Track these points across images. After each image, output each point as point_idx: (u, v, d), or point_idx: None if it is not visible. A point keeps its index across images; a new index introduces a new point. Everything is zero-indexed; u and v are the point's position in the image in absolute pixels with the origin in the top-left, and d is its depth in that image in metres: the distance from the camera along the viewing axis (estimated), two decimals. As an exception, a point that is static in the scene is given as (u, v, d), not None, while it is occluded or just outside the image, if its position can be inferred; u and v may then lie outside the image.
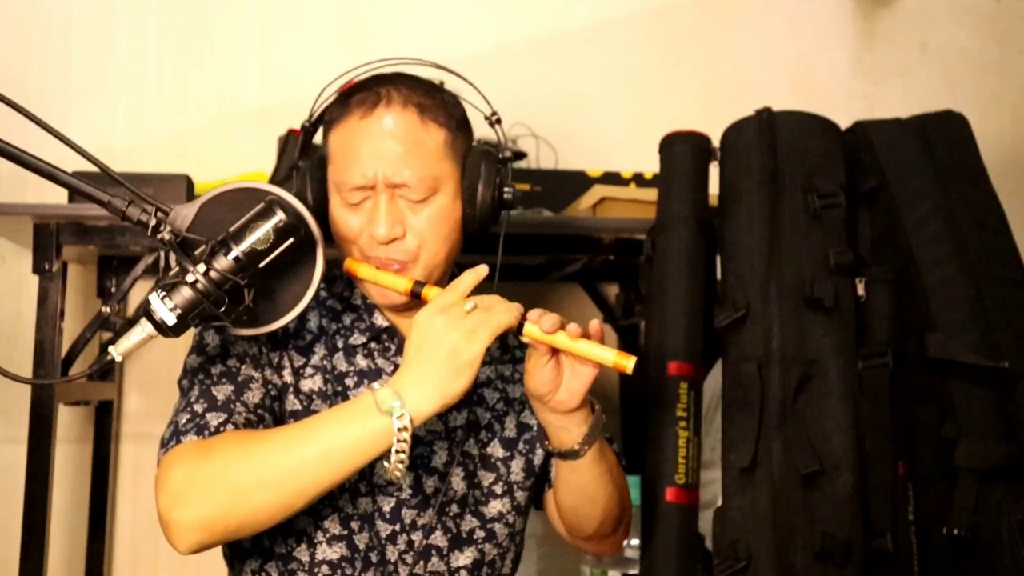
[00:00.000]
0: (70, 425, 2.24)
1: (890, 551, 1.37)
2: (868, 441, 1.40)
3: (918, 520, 1.44)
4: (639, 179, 2.12)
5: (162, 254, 1.71)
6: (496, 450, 1.31)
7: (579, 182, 2.11)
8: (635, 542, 1.53)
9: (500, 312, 1.07)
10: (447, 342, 1.04)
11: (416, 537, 1.24)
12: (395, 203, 1.20)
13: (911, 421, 1.48)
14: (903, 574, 1.40)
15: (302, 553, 1.21)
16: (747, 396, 1.40)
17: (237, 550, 1.25)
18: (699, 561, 1.44)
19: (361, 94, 1.22)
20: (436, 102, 1.23)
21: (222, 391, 1.15)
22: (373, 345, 1.27)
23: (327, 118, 1.25)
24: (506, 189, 1.26)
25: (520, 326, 1.10)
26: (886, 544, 1.37)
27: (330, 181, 1.23)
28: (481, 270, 1.11)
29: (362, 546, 1.21)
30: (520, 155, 2.25)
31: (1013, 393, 1.42)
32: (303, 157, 1.27)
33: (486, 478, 1.29)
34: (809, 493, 1.35)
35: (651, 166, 1.80)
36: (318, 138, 1.30)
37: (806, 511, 1.34)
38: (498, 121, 1.30)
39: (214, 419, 1.12)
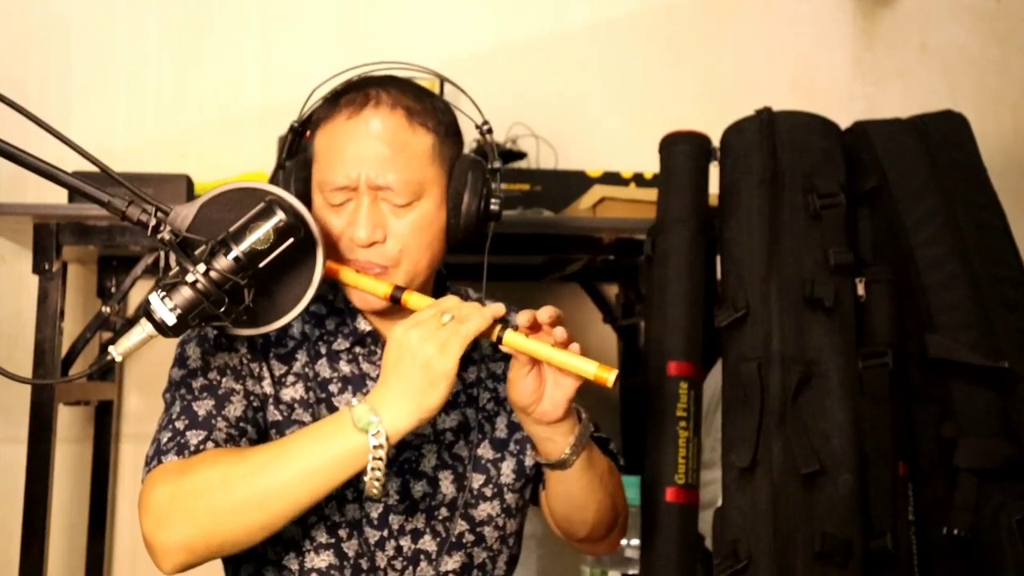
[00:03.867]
0: (70, 425, 2.24)
1: (890, 551, 1.37)
2: (868, 441, 1.40)
3: (918, 520, 1.44)
4: (639, 179, 2.12)
5: (162, 254, 1.71)
6: (486, 452, 1.30)
7: (579, 182, 2.11)
8: (635, 542, 1.53)
9: (472, 321, 1.06)
10: (421, 355, 1.03)
11: (405, 542, 1.23)
12: (377, 206, 1.18)
13: (911, 421, 1.48)
14: (903, 574, 1.40)
15: (291, 561, 1.20)
16: (747, 396, 1.40)
17: (232, 556, 1.24)
18: (699, 561, 1.44)
19: (350, 95, 1.21)
20: (425, 107, 1.21)
21: (203, 406, 1.15)
22: (357, 350, 1.26)
23: (315, 118, 1.25)
24: (493, 200, 1.24)
25: (500, 337, 1.09)
26: (886, 544, 1.37)
27: (313, 181, 1.22)
28: (498, 308, 1.09)
29: (351, 553, 1.21)
30: (520, 155, 2.25)
31: (1013, 393, 1.42)
32: (290, 157, 1.26)
33: (476, 480, 1.28)
34: (809, 493, 1.35)
35: (651, 166, 1.80)
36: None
37: (806, 511, 1.34)
38: (489, 131, 1.28)
39: (194, 437, 1.11)
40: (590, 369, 1.08)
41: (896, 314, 1.48)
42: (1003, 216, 1.55)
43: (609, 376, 1.07)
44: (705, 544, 1.47)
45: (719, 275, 1.54)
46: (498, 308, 1.09)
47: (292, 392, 1.22)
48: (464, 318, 1.06)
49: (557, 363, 1.09)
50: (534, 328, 1.11)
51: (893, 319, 1.48)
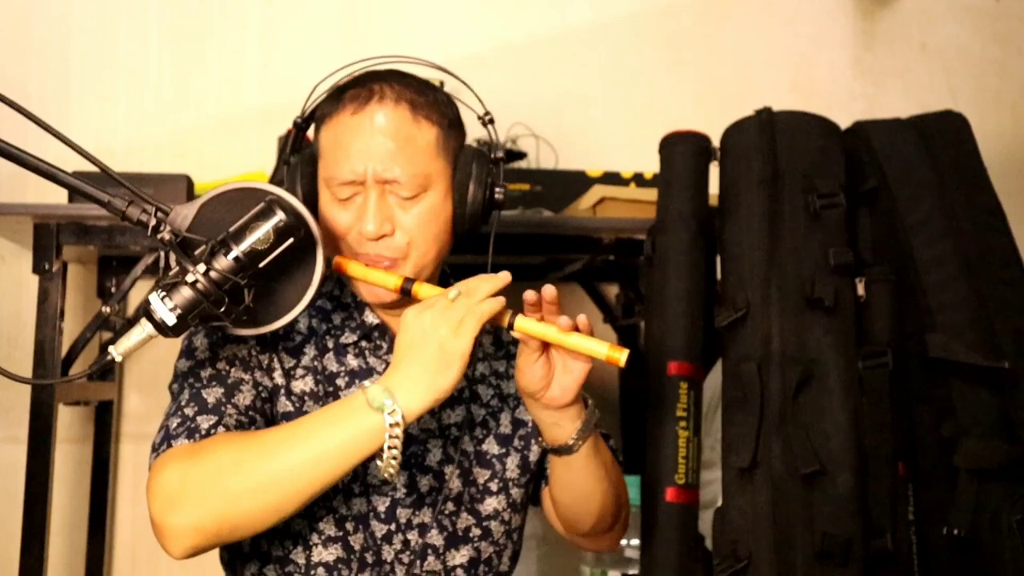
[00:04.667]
0: (70, 425, 2.24)
1: (890, 551, 1.37)
2: (868, 441, 1.40)
3: (918, 520, 1.44)
4: (639, 179, 2.12)
5: (162, 254, 1.71)
6: (491, 447, 1.30)
7: (579, 182, 2.11)
8: (635, 542, 1.54)
9: (486, 302, 1.07)
10: (435, 337, 1.04)
11: (412, 536, 1.23)
12: (385, 200, 1.19)
13: (911, 421, 1.48)
14: (903, 574, 1.40)
15: (298, 556, 1.21)
16: (747, 396, 1.40)
17: (236, 554, 1.24)
18: (699, 561, 1.44)
19: (354, 90, 1.22)
20: (428, 100, 1.22)
21: (212, 394, 1.15)
22: (364, 344, 1.27)
23: (319, 114, 1.25)
24: (497, 189, 1.25)
25: (511, 323, 1.10)
26: (886, 544, 1.37)
27: (320, 177, 1.23)
28: (503, 277, 1.10)
29: (357, 547, 1.21)
30: (520, 155, 2.25)
31: (1013, 393, 1.42)
32: (294, 153, 1.27)
33: (481, 475, 1.29)
34: (809, 493, 1.35)
35: (651, 166, 1.80)
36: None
37: (806, 511, 1.34)
38: (491, 121, 1.30)
39: (204, 422, 1.11)
40: (602, 350, 1.09)
41: (896, 314, 1.48)
42: (1003, 216, 1.55)
43: (621, 356, 1.08)
44: (705, 544, 1.47)
45: (719, 275, 1.54)
46: (504, 276, 1.10)
47: (302, 385, 1.23)
48: (472, 291, 1.07)
49: (569, 345, 1.10)
50: (536, 304, 1.11)
51: (893, 319, 1.48)
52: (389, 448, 1.02)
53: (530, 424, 1.32)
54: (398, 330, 1.07)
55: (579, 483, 1.25)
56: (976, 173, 1.58)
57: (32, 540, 1.77)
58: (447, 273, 1.36)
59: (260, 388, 1.20)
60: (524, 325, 1.10)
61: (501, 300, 1.09)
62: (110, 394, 2.25)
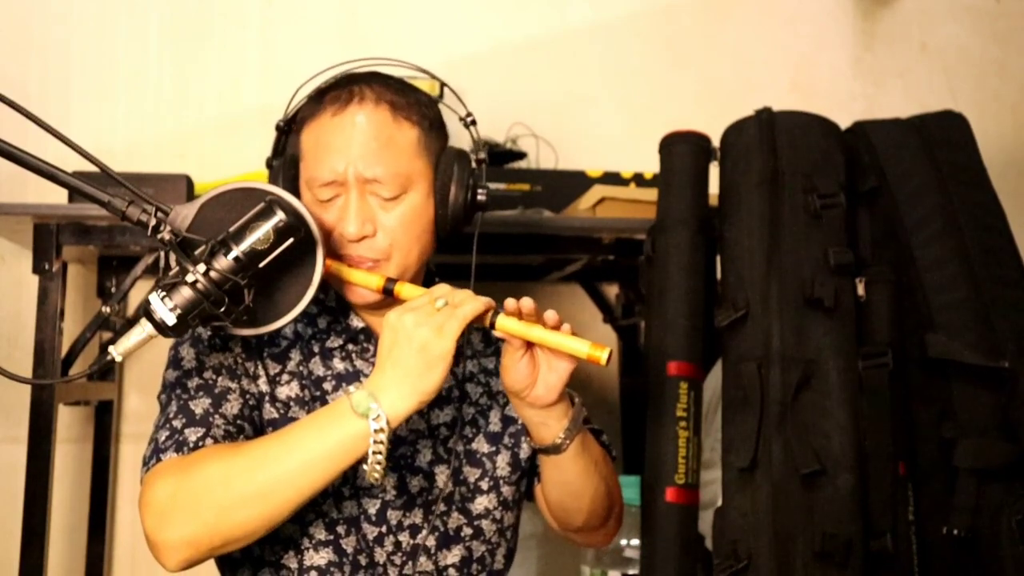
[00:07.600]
0: (70, 425, 2.24)
1: (890, 551, 1.37)
2: (868, 441, 1.40)
3: (918, 520, 1.44)
4: (639, 179, 2.12)
5: (162, 254, 1.71)
6: (481, 445, 1.30)
7: (579, 182, 2.11)
8: (635, 542, 1.54)
9: (468, 304, 1.07)
10: (417, 339, 1.04)
11: (403, 538, 1.23)
12: (366, 200, 1.19)
13: (911, 421, 1.48)
14: (903, 574, 1.40)
15: (290, 560, 1.21)
16: (747, 396, 1.40)
17: (228, 560, 1.25)
18: (699, 561, 1.44)
19: (334, 92, 1.22)
20: (409, 101, 1.23)
21: (200, 405, 1.15)
22: (350, 347, 1.27)
23: (299, 116, 1.26)
24: (479, 190, 1.25)
25: (492, 322, 1.10)
26: (886, 544, 1.37)
27: (301, 179, 1.23)
28: (487, 301, 1.10)
29: (350, 550, 1.21)
30: (520, 155, 2.25)
31: (1013, 393, 1.42)
32: (277, 156, 1.27)
33: (472, 474, 1.29)
34: (809, 493, 1.35)
35: (651, 166, 1.80)
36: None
37: (806, 511, 1.34)
38: (473, 123, 1.30)
39: (193, 434, 1.12)
40: (583, 348, 1.09)
41: (896, 314, 1.48)
42: (1003, 216, 1.55)
43: (602, 355, 1.08)
44: (705, 544, 1.47)
45: (719, 275, 1.54)
46: (488, 301, 1.10)
47: (287, 390, 1.23)
48: (458, 303, 1.07)
49: (550, 344, 1.10)
50: (515, 313, 1.11)
51: (893, 319, 1.48)
52: (374, 454, 1.03)
53: (520, 421, 1.32)
54: (382, 329, 1.08)
55: (569, 481, 1.25)
56: (976, 173, 1.58)
57: (32, 540, 1.77)
58: (432, 272, 1.36)
59: (247, 396, 1.20)
60: (505, 324, 1.10)
61: (483, 302, 1.08)
62: (110, 394, 2.25)
